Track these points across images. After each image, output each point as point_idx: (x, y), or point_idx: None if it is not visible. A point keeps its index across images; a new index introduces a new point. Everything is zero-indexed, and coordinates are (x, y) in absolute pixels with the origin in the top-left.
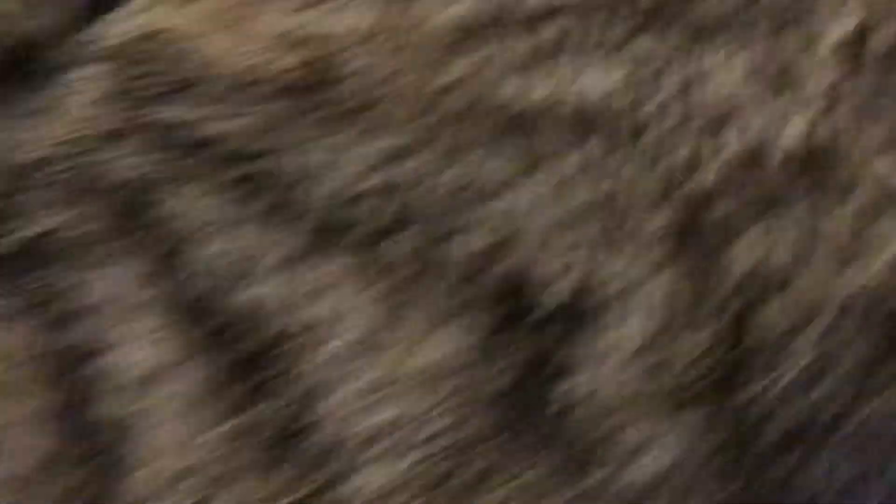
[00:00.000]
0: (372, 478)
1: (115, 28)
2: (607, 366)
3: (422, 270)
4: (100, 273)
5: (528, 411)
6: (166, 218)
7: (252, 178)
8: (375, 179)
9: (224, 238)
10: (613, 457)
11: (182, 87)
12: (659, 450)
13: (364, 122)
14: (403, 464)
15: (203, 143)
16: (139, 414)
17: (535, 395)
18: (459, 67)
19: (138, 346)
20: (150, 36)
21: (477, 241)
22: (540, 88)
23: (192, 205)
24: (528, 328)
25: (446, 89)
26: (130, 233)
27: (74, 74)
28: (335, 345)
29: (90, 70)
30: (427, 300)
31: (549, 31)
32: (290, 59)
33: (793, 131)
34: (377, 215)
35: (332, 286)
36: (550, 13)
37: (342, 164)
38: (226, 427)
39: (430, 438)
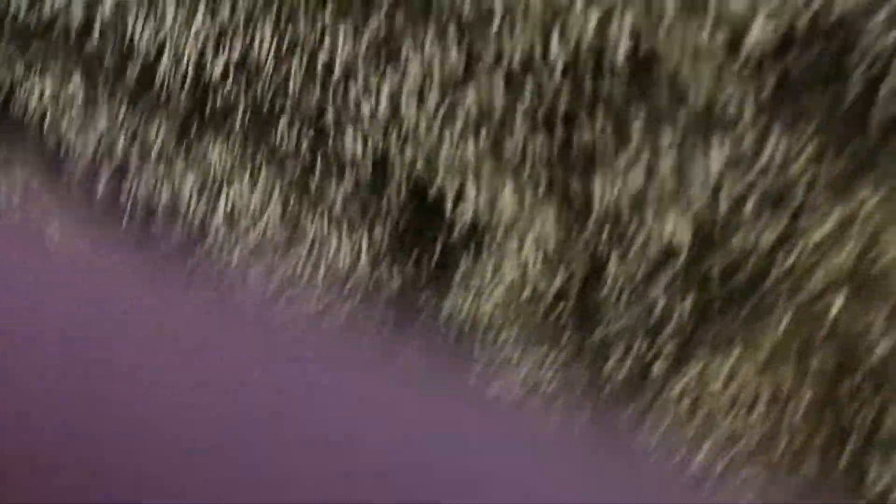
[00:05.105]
0: None
1: None
2: (494, 289)
3: (314, 168)
4: None
5: (418, 316)
6: None
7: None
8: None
9: None
10: (490, 366)
11: None
12: (526, 370)
13: None
14: None
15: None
16: None
17: (428, 302)
18: None
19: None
20: None
21: (367, 139)
22: None
23: None
24: (427, 242)
25: None
26: None
27: None
28: (251, 237)
29: None
30: (326, 203)
31: None
32: None
33: None
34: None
35: (237, 178)
36: None
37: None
38: None
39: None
